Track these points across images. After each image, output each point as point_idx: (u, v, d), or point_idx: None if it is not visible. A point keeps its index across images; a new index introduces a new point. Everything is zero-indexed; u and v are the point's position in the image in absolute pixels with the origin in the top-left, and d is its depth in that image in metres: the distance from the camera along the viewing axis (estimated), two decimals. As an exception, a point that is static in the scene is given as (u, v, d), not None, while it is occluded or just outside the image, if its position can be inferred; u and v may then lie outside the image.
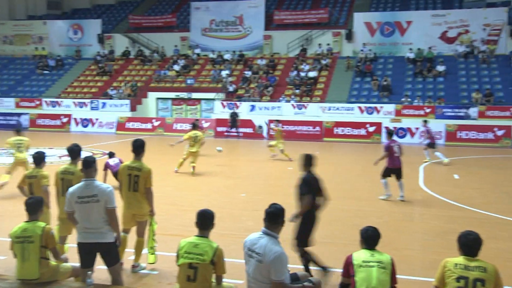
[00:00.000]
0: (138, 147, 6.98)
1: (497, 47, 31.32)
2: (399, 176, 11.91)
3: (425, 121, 19.38)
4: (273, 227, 4.65)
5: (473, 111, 25.83)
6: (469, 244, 4.45)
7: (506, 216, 10.53)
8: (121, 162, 11.90)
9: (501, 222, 10.20)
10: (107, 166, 12.56)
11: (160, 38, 37.64)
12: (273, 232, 4.62)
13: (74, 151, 6.97)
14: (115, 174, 11.46)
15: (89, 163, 5.70)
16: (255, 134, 27.51)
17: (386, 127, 14.83)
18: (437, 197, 12.47)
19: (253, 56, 35.54)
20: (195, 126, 15.85)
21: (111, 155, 13.00)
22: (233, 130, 27.74)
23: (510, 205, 11.75)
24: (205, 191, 12.97)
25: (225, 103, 29.53)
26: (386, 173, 12.01)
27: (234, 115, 27.83)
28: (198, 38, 37.34)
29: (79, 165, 6.36)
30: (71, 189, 5.71)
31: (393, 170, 11.90)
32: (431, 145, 18.14)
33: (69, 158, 7.04)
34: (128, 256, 7.11)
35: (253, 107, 28.88)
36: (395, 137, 13.94)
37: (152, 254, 7.07)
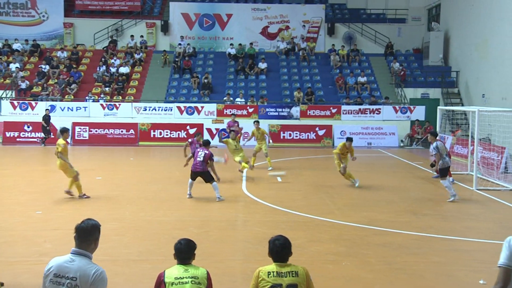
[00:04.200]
0: None
1: (316, 44, 34.60)
2: None
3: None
4: (85, 245, 4.42)
5: (295, 110, 28.09)
6: (276, 250, 4.82)
7: (326, 218, 11.65)
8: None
9: (321, 224, 11.25)
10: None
11: None
12: (86, 251, 4.39)
13: None
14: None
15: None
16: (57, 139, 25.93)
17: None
18: (261, 202, 13.25)
19: (51, 47, 33.68)
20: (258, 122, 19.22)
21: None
22: None
23: (330, 206, 13.04)
24: (-11, 211, 11.80)
25: (16, 102, 27.31)
26: None
27: None
28: (-22, 22, 33.93)
29: None
30: None
31: None
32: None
33: None
34: None
35: (53, 108, 27.21)
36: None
37: None
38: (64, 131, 13.40)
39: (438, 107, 21.29)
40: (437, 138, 14.30)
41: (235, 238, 10.18)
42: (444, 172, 13.70)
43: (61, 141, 13.17)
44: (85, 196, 13.17)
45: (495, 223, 11.65)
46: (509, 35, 24.81)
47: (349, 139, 15.77)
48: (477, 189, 15.10)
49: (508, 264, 4.12)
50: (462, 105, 28.90)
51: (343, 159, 15.55)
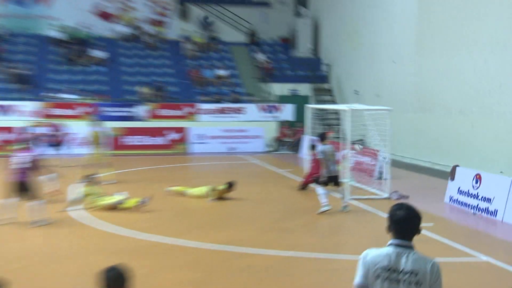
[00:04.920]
0: None
1: (166, 29, 34.70)
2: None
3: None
4: None
5: (142, 110, 27.94)
6: (109, 284, 4.81)
7: (179, 239, 11.82)
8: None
9: (173, 247, 11.40)
10: None
11: None
12: None
13: None
14: None
15: None
16: None
17: None
18: (97, 226, 13.03)
19: None
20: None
21: None
22: None
23: (184, 226, 13.25)
24: None
25: None
26: None
27: None
28: None
29: None
30: None
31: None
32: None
33: None
34: None
35: None
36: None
37: None
38: None
39: (307, 105, 22.41)
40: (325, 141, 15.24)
41: (64, 273, 9.93)
42: (326, 181, 14.39)
43: None
44: None
45: (368, 237, 12.56)
46: (381, 24, 26.83)
47: (231, 185, 16.19)
48: (349, 199, 16.11)
49: (364, 284, 4.34)
50: (334, 102, 30.69)
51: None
